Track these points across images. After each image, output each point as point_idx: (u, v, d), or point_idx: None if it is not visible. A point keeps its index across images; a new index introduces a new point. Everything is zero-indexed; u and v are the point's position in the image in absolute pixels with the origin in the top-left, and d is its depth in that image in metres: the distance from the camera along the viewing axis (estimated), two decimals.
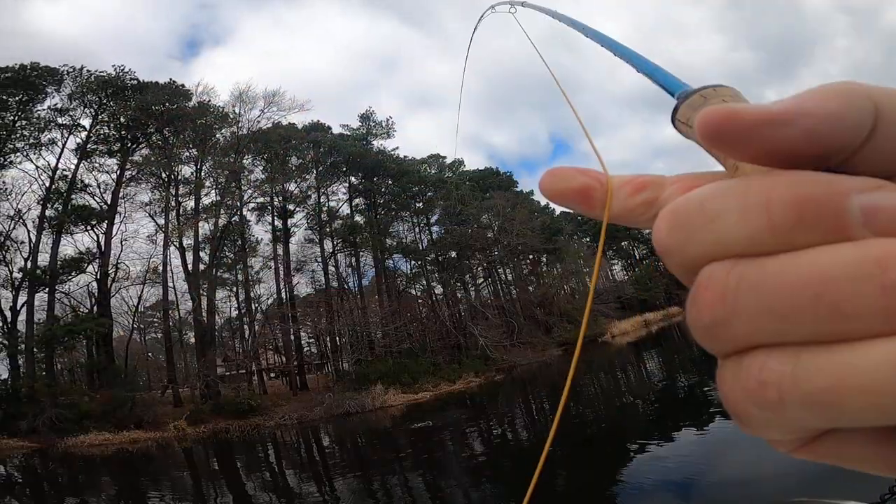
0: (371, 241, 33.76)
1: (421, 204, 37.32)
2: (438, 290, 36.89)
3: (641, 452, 9.06)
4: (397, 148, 37.38)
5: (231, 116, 29.69)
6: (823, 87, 0.17)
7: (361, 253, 34.12)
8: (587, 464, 9.38)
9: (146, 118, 27.59)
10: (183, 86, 29.41)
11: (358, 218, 35.14)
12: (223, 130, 29.87)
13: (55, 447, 18.54)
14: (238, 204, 29.34)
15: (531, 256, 40.81)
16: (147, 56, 57.69)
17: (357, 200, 35.43)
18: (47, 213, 25.61)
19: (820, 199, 0.17)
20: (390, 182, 35.43)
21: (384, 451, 14.01)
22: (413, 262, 36.76)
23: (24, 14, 50.01)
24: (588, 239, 47.78)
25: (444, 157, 39.74)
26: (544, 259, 42.40)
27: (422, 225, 37.93)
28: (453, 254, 36.79)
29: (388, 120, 36.69)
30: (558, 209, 46.93)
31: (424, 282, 36.68)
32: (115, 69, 27.88)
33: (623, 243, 51.10)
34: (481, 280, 40.08)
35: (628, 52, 0.39)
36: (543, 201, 45.59)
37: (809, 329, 0.16)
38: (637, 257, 52.69)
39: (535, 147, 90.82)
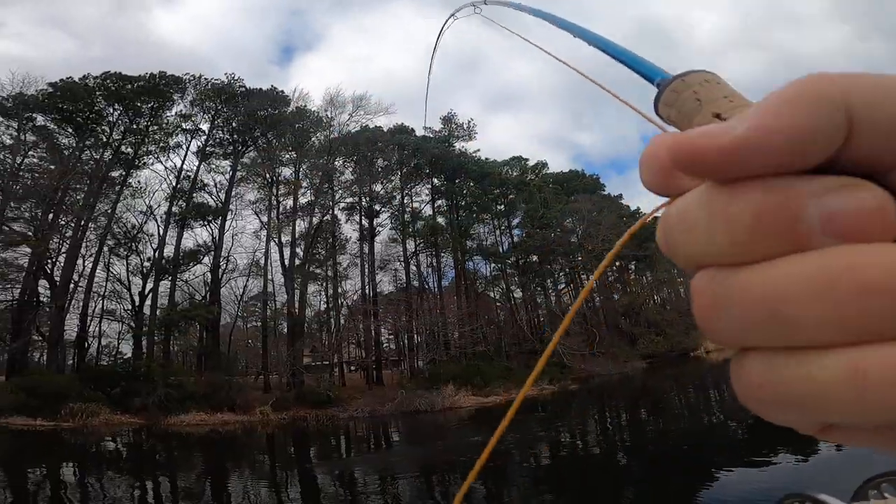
0: (452, 242, 33.98)
1: (502, 206, 36.86)
2: (517, 293, 36.14)
3: (727, 475, 7.97)
4: (479, 150, 37.34)
5: (324, 120, 31.65)
6: (788, 96, 0.16)
7: (442, 254, 34.48)
8: (663, 481, 8.45)
9: (253, 123, 30.26)
10: (282, 92, 31.86)
11: (440, 219, 35.52)
12: (318, 134, 31.90)
13: (159, 424, 19.84)
14: (330, 203, 31.11)
15: (618, 263, 38.58)
16: (251, 63, 63.29)
17: (439, 202, 35.88)
18: (173, 209, 29.01)
19: (776, 210, 0.16)
20: (472, 184, 35.40)
21: (448, 453, 13.78)
22: (493, 264, 36.40)
23: (149, 24, 57.17)
24: None
25: (527, 160, 38.97)
26: (633, 266, 39.83)
27: (503, 227, 37.43)
28: (534, 258, 35.82)
29: (469, 122, 36.84)
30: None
31: (504, 285, 36.11)
32: (227, 77, 30.92)
33: None
34: (563, 286, 38.59)
35: (603, 41, 0.37)
36: (633, 205, 42.88)
37: (778, 340, 0.17)
38: None
39: (625, 147, 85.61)
